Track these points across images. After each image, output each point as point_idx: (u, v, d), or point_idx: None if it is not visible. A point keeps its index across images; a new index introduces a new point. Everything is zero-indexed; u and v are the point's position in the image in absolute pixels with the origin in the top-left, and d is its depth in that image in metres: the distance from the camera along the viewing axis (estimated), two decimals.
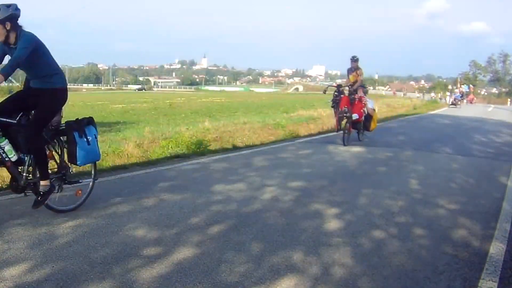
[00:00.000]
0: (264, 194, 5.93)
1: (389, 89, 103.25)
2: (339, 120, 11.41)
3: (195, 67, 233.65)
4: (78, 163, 4.87)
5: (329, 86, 13.98)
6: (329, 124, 15.50)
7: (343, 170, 7.81)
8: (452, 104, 36.31)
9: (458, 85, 47.58)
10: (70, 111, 18.97)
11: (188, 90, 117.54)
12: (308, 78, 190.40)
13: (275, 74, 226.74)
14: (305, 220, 4.90)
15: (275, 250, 4.01)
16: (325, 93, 13.16)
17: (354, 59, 13.21)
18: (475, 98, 55.06)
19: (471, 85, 57.65)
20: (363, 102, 11.49)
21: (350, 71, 13.16)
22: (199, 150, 9.21)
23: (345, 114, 11.01)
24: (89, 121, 5.08)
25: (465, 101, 45.58)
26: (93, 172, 5.31)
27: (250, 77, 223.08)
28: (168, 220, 4.70)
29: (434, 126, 17.64)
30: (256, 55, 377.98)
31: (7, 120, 4.53)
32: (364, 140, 11.69)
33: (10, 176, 4.80)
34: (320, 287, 3.36)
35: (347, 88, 12.20)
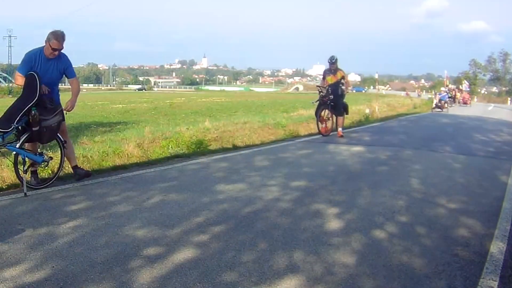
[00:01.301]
0: (264, 193, 5.93)
1: (390, 88, 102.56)
2: None
3: (195, 67, 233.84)
4: None
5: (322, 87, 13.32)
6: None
7: (344, 170, 7.80)
8: (437, 107, 27.56)
9: (446, 83, 38.05)
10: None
11: (188, 90, 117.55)
12: (308, 78, 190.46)
13: (275, 73, 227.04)
14: (306, 219, 4.89)
15: (276, 250, 4.01)
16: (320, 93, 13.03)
17: (332, 61, 12.67)
18: (473, 98, 50.57)
19: (465, 81, 48.27)
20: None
21: (328, 72, 12.77)
22: (199, 150, 9.21)
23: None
24: None
25: (457, 102, 36.97)
26: None
27: (250, 77, 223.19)
28: (168, 220, 4.71)
29: (434, 125, 17.62)
30: (256, 54, 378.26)
31: None
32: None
33: (10, 176, 4.84)
34: (321, 286, 3.36)
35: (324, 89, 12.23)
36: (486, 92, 75.71)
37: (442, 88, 33.27)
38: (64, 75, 6.06)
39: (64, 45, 5.85)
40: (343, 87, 12.74)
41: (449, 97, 30.66)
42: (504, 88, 75.37)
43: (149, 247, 3.96)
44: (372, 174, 7.55)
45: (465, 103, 37.56)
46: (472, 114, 25.83)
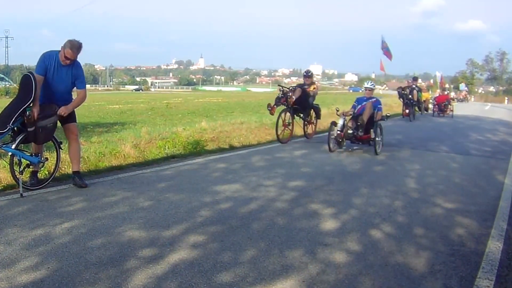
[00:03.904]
0: (261, 194, 5.93)
1: (387, 88, 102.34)
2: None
3: (192, 67, 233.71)
4: None
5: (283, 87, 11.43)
6: (326, 123, 15.46)
7: (340, 170, 7.80)
8: (339, 140, 9.71)
9: (406, 83, 23.45)
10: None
11: (185, 90, 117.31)
12: None
13: (272, 73, 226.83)
14: (302, 220, 4.89)
15: (271, 250, 4.01)
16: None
17: (308, 74, 11.70)
18: (469, 97, 44.16)
19: (438, 73, 38.99)
20: None
21: (300, 86, 11.39)
22: (196, 150, 9.20)
23: None
24: None
25: (425, 108, 23.47)
26: None
27: (247, 77, 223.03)
28: (164, 220, 4.70)
29: (431, 125, 17.65)
30: (253, 55, 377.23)
31: None
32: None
33: (6, 177, 4.85)
34: (317, 287, 3.35)
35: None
36: (483, 92, 75.90)
37: (368, 85, 10.74)
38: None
39: (77, 56, 5.79)
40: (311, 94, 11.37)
41: (411, 103, 19.43)
42: (501, 88, 75.68)
43: (145, 247, 3.95)
44: (368, 174, 7.56)
45: (441, 111, 22.53)
46: (469, 113, 25.84)
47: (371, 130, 9.65)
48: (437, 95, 24.30)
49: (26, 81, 5.54)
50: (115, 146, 8.55)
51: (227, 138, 10.93)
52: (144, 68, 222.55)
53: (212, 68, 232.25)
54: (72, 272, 3.42)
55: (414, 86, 20.60)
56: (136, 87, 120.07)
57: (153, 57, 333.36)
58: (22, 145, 5.77)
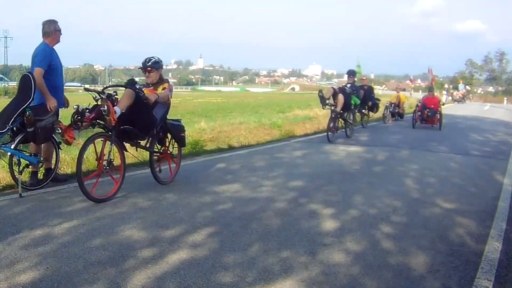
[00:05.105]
0: (260, 194, 5.92)
1: (386, 88, 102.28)
2: None
3: (191, 68, 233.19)
4: None
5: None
6: (325, 123, 15.45)
7: (340, 170, 7.80)
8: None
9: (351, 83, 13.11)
10: (66, 112, 18.96)
11: (184, 91, 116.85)
12: (305, 78, 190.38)
13: (271, 74, 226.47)
14: (301, 220, 4.89)
15: (270, 250, 4.00)
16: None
17: (148, 64, 6.17)
18: (468, 98, 44.03)
19: (427, 69, 33.94)
20: None
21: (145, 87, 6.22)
22: (195, 150, 9.19)
23: None
24: None
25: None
26: None
27: (246, 77, 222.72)
28: (163, 221, 4.69)
29: (430, 125, 17.62)
30: (252, 55, 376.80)
31: None
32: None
33: (5, 177, 4.83)
34: (316, 287, 3.35)
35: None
36: (482, 92, 75.90)
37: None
38: None
39: None
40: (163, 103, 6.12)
41: (335, 113, 11.74)
42: (500, 88, 75.64)
43: (144, 248, 3.95)
44: (368, 174, 7.55)
45: (426, 119, 16.25)
46: (468, 113, 25.84)
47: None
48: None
49: (25, 81, 5.54)
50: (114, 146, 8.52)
51: (226, 138, 10.94)
52: None
53: (211, 68, 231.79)
54: (71, 272, 3.41)
55: (348, 85, 13.01)
56: None
57: None
58: (21, 145, 5.76)
